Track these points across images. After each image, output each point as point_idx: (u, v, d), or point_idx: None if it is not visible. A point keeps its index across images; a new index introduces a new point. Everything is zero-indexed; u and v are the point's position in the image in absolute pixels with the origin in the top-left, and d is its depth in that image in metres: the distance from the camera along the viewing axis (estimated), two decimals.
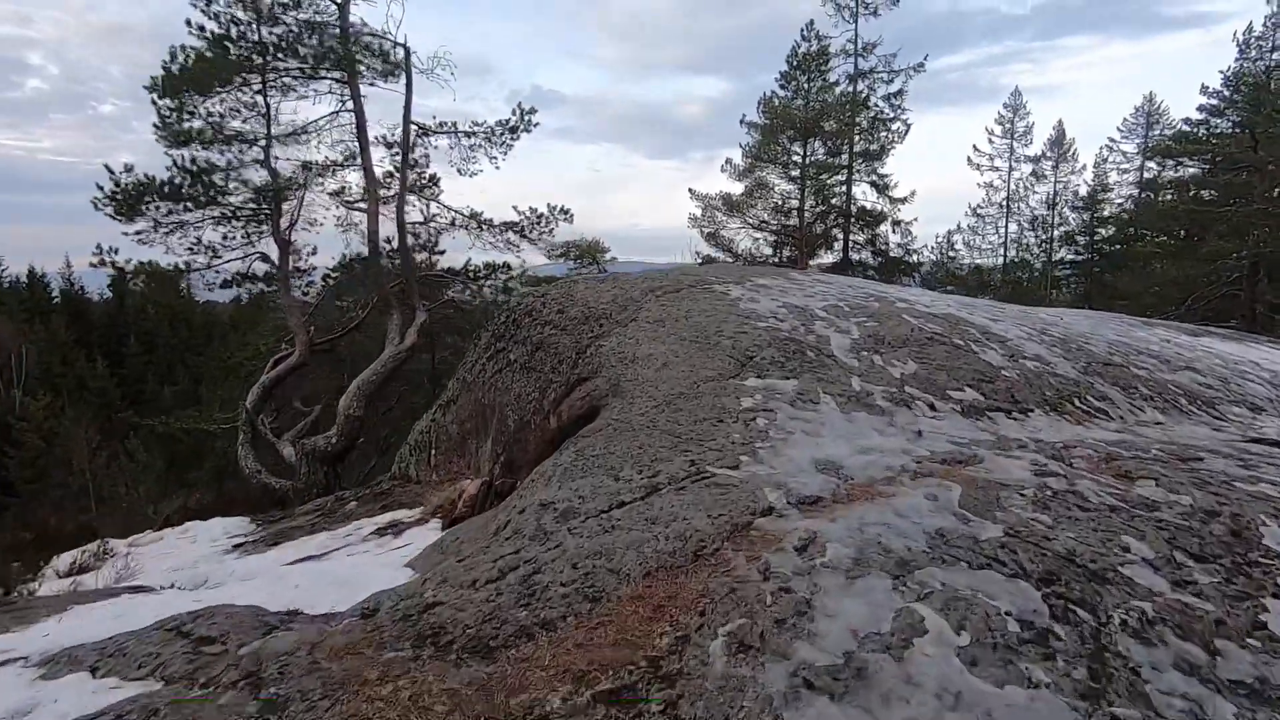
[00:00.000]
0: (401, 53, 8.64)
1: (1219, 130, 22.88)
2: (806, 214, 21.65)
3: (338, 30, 7.88)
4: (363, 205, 8.65)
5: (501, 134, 10.09)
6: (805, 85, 20.01)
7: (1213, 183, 20.02)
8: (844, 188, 22.69)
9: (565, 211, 10.90)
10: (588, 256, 28.90)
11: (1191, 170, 23.88)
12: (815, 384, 4.05)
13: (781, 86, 20.35)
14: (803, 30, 19.79)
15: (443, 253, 10.85)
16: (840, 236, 23.20)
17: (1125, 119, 34.09)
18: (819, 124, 18.86)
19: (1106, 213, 32.83)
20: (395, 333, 8.18)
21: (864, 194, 22.95)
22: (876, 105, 22.88)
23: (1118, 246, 30.53)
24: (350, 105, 8.50)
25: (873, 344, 4.88)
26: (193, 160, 7.89)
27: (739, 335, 4.56)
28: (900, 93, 22.54)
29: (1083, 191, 32.80)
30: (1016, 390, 4.75)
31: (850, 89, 22.46)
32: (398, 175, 9.60)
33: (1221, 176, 19.87)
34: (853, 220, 22.98)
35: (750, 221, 19.84)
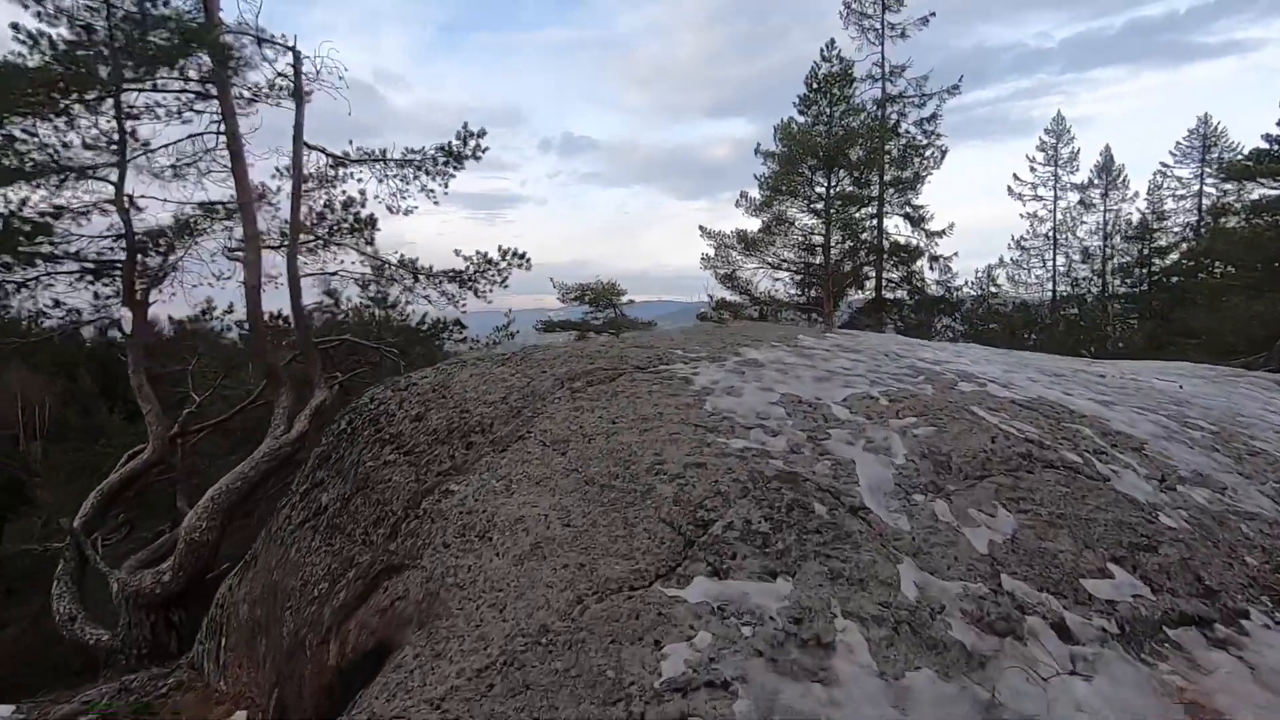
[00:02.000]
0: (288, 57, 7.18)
1: None
2: (833, 251, 19.62)
3: (197, 24, 6.30)
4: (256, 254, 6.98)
5: (443, 162, 8.40)
6: (827, 110, 18.21)
7: None
8: (875, 221, 20.66)
9: (521, 256, 9.05)
10: (603, 299, 27.28)
11: (1271, 193, 21.30)
12: (827, 594, 2.03)
13: (801, 112, 18.60)
14: (822, 50, 18.10)
15: (393, 307, 9.06)
16: (872, 274, 21.09)
17: (1179, 142, 31.65)
18: (844, 151, 16.99)
19: (1164, 242, 30.16)
20: (281, 420, 6.38)
21: (897, 228, 20.90)
22: (908, 131, 20.98)
23: (1178, 279, 27.79)
24: (222, 125, 6.90)
25: (931, 474, 2.83)
26: (22, 202, 6.33)
27: (691, 473, 2.56)
28: (934, 117, 20.66)
29: (1135, 220, 30.26)
30: (1200, 563, 2.64)
31: (878, 114, 20.62)
32: (321, 215, 7.98)
33: None
34: (885, 256, 20.88)
35: (769, 261, 17.89)
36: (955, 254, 21.02)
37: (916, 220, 20.62)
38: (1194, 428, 4.15)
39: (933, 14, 19.62)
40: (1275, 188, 20.48)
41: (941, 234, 20.89)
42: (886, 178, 19.56)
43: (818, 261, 18.34)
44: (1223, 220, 26.20)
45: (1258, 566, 2.75)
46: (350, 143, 8.01)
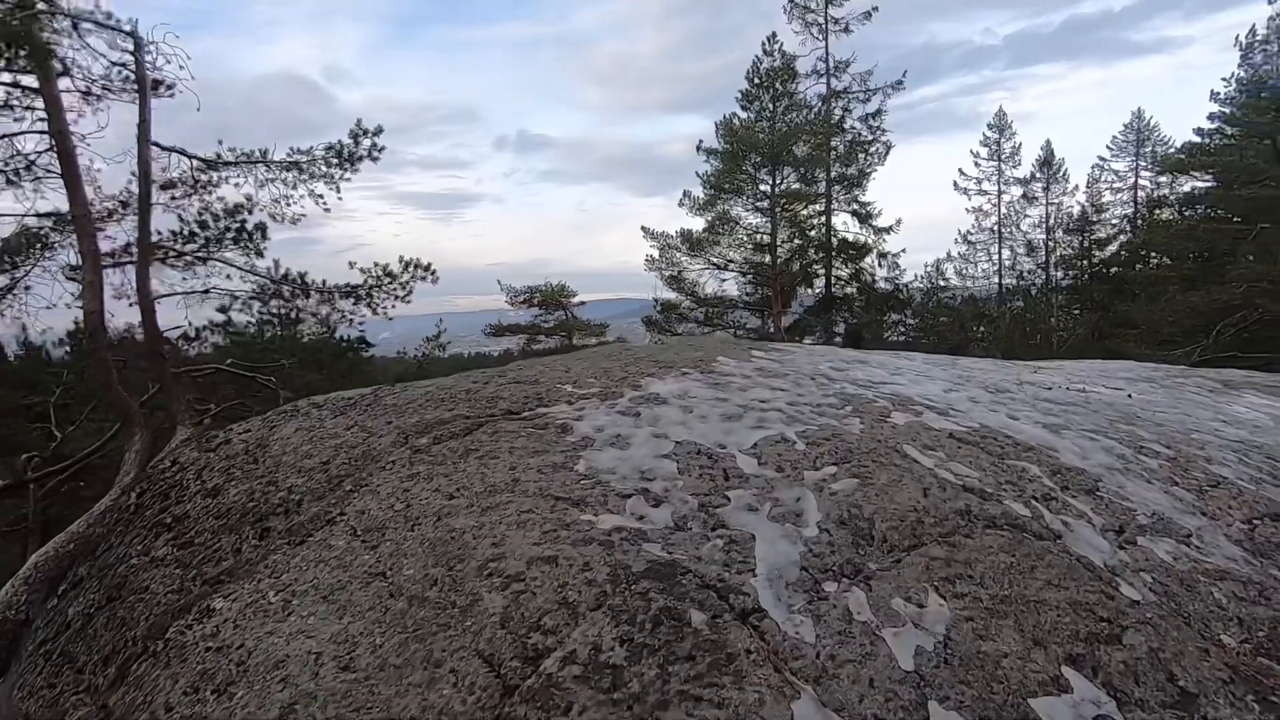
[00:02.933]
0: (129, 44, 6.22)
1: (1228, 143, 20.83)
2: (781, 249, 19.29)
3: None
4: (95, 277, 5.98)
5: (334, 164, 7.56)
6: (770, 105, 17.80)
7: (1235, 198, 17.80)
8: (823, 219, 20.40)
9: (427, 268, 8.28)
10: (553, 301, 26.50)
11: (1202, 185, 21.78)
12: None
13: (743, 107, 18.17)
14: (764, 43, 17.69)
15: (296, 324, 8.12)
16: (822, 272, 20.84)
17: (1115, 137, 32.42)
18: (788, 148, 16.61)
19: (1103, 234, 30.88)
20: (131, 466, 5.53)
21: (845, 224, 20.68)
22: (853, 127, 20.78)
23: (1117, 270, 28.43)
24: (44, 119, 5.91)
25: (849, 548, 2.28)
26: None
27: (535, 571, 1.94)
28: (878, 113, 20.49)
29: (1076, 213, 30.90)
30: (1172, 653, 2.15)
31: (823, 110, 20.36)
32: (202, 224, 7.02)
33: (1243, 191, 17.66)
34: (834, 254, 20.66)
35: (715, 261, 17.41)
36: (903, 250, 20.95)
37: (864, 217, 20.45)
38: (1149, 454, 3.72)
39: (875, 8, 19.44)
40: (1206, 180, 20.93)
41: (889, 230, 20.77)
42: (833, 174, 19.29)
43: (765, 261, 17.94)
44: (1158, 212, 26.87)
45: (1236, 649, 2.28)
46: (220, 142, 7.11)
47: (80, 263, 5.71)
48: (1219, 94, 21.55)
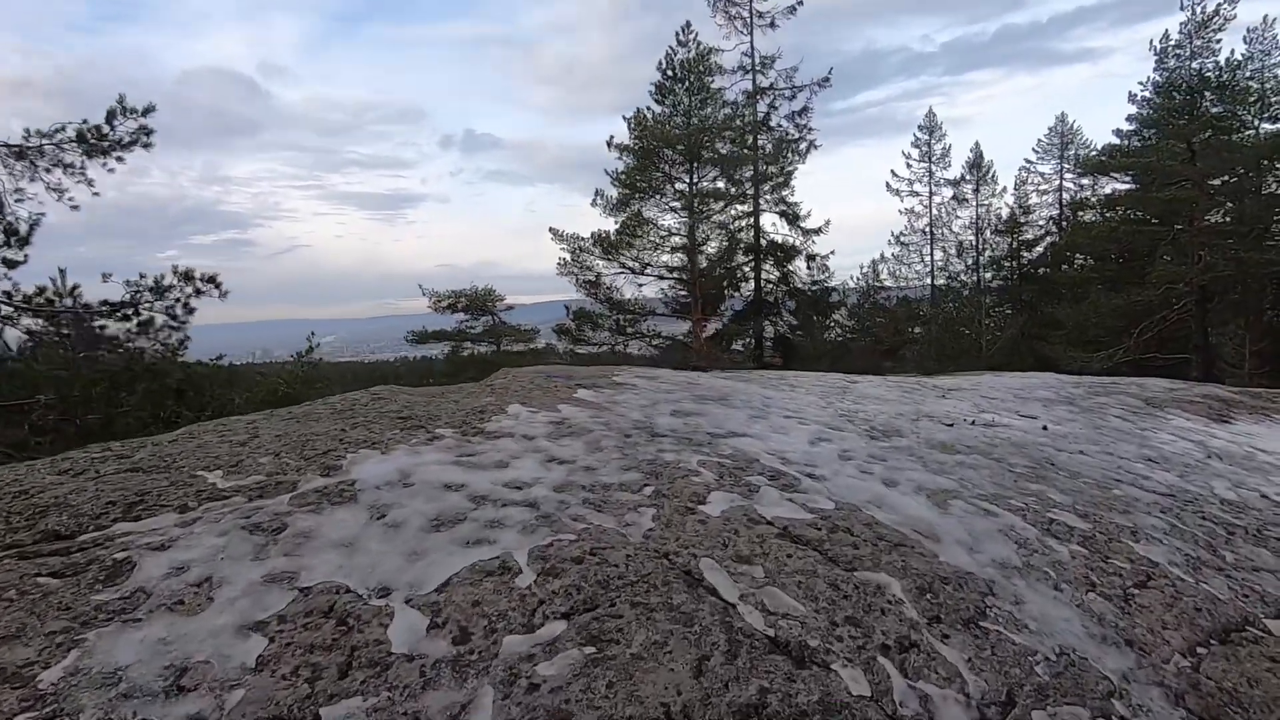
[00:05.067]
0: None
1: (1147, 144, 20.97)
2: (707, 251, 18.39)
3: None
4: None
5: (87, 150, 6.12)
6: (685, 99, 16.88)
7: (1152, 199, 17.76)
8: (750, 220, 19.61)
9: (210, 280, 6.92)
10: (478, 306, 25.02)
11: (1121, 187, 21.90)
12: None
13: (657, 101, 17.18)
14: (678, 33, 16.70)
15: (58, 348, 6.50)
16: (750, 275, 20.06)
17: (1040, 140, 32.86)
18: (707, 144, 15.70)
19: (1030, 235, 31.20)
20: None
21: (774, 226, 19.93)
22: (780, 126, 20.06)
23: (1044, 271, 28.70)
24: None
25: None
26: None
27: None
28: (805, 110, 19.81)
29: (1004, 214, 31.14)
30: None
31: (749, 108, 19.58)
32: None
33: (1160, 192, 17.63)
34: (763, 256, 19.89)
35: (630, 265, 16.33)
36: (832, 252, 20.33)
37: (793, 218, 19.74)
38: (1061, 533, 2.78)
39: (800, 3, 18.73)
40: (1125, 182, 21.02)
41: (818, 231, 20.14)
42: (759, 173, 18.50)
43: (685, 264, 17.00)
44: (1080, 214, 27.16)
45: None
46: None
47: None
48: (1136, 96, 21.72)
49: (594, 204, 16.49)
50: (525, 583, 1.84)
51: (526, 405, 3.32)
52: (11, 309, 5.95)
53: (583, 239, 15.88)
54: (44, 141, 5.93)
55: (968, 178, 30.65)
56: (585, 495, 2.37)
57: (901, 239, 29.83)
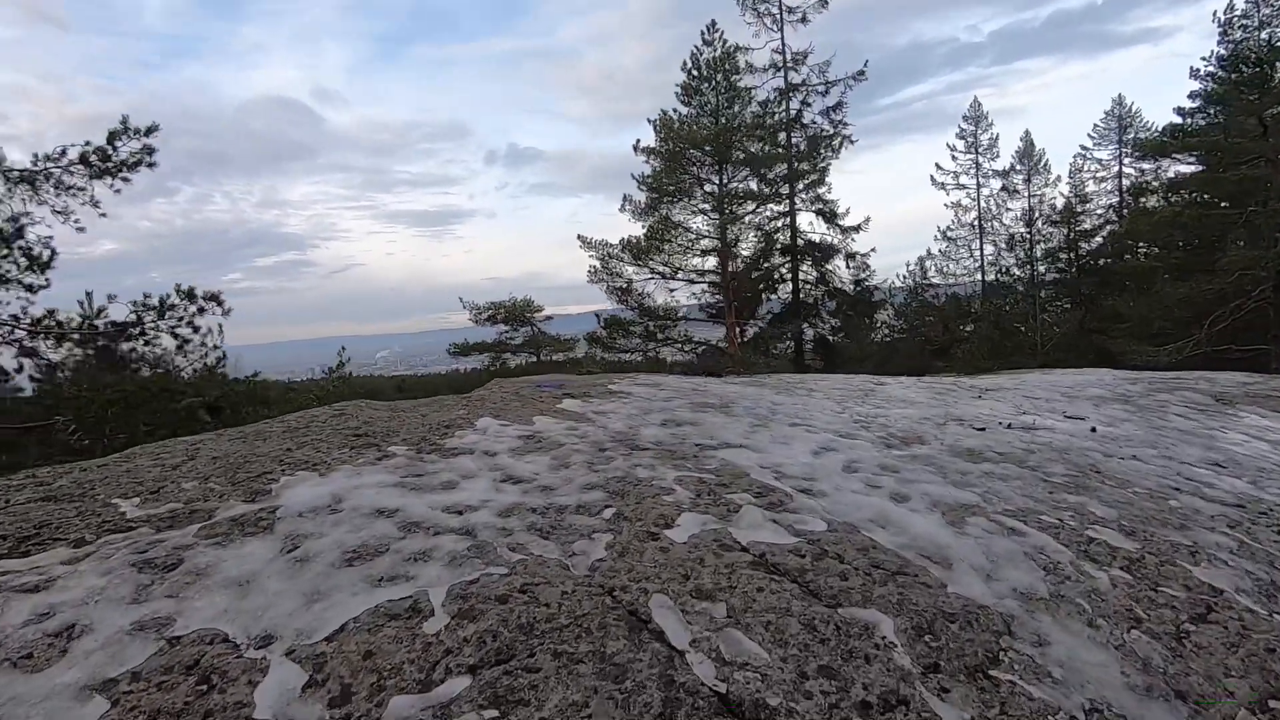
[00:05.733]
0: None
1: (1213, 122, 19.63)
2: (744, 254, 17.99)
3: None
4: None
5: (91, 173, 6.18)
6: (712, 99, 16.52)
7: (1222, 180, 16.54)
8: (786, 219, 19.12)
9: (213, 298, 6.93)
10: (517, 317, 25.18)
11: (1185, 169, 20.55)
12: None
13: (684, 102, 16.86)
14: (703, 32, 16.38)
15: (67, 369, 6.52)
16: (788, 277, 19.55)
17: (1096, 125, 31.33)
18: (739, 144, 15.34)
19: (1088, 225, 29.66)
20: None
21: (811, 225, 19.38)
22: (814, 122, 19.53)
23: (1105, 262, 27.19)
24: None
25: None
26: None
27: None
28: (839, 105, 19.23)
29: (1059, 204, 29.70)
30: None
31: (781, 105, 19.13)
32: None
33: (1229, 173, 16.41)
34: (800, 256, 19.37)
35: (660, 270, 16.03)
36: (873, 250, 19.65)
37: (830, 216, 19.16)
38: (1100, 554, 2.38)
39: None
40: (1190, 163, 19.71)
41: (858, 229, 19.49)
42: (795, 170, 18.01)
43: (716, 267, 16.62)
44: (1142, 200, 25.68)
45: None
46: None
47: None
48: (1199, 71, 20.36)
49: (622, 209, 16.31)
50: (434, 628, 1.59)
51: (499, 418, 3.08)
52: (24, 332, 6.08)
53: (611, 245, 15.70)
54: (50, 165, 6.06)
55: (1018, 168, 29.37)
56: (533, 520, 2.10)
57: (949, 234, 28.76)
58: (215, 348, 8.56)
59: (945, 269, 28.91)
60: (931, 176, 29.18)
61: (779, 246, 18.99)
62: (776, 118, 18.28)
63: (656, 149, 15.53)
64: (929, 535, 2.37)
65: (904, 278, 27.31)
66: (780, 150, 17.57)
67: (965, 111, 30.06)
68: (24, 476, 2.31)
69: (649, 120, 15.21)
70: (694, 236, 16.07)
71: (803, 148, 19.09)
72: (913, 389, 5.21)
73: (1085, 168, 30.48)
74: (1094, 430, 4.27)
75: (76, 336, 6.23)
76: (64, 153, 6.07)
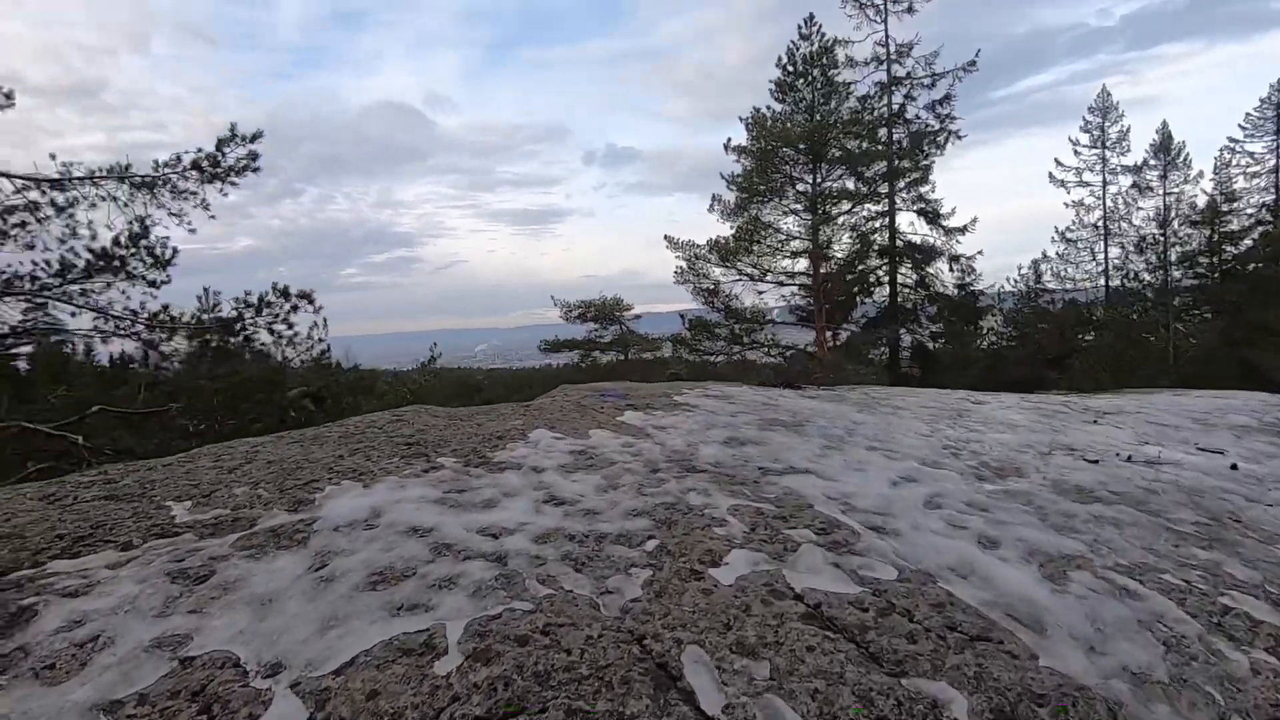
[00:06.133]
0: None
1: None
2: (837, 255, 17.31)
3: None
4: None
5: (202, 178, 6.59)
6: (808, 95, 15.89)
7: None
8: (884, 220, 18.23)
9: (304, 296, 7.25)
10: (606, 315, 25.51)
11: None
12: None
13: (777, 99, 16.32)
14: (800, 27, 15.77)
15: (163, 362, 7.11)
16: (885, 280, 18.65)
17: (1249, 114, 28.04)
18: (837, 141, 14.72)
19: (1235, 226, 26.57)
20: None
21: (912, 225, 18.38)
22: (919, 117, 18.51)
23: (1255, 267, 24.25)
24: None
25: None
26: None
27: None
28: (947, 99, 18.12)
29: (1201, 203, 26.75)
30: None
31: (882, 100, 18.25)
32: (106, 254, 6.10)
33: None
34: (899, 259, 18.42)
35: (749, 271, 15.61)
36: (980, 252, 18.40)
37: (933, 216, 18.09)
38: (1237, 627, 2.00)
39: None
40: None
41: (963, 230, 18.31)
42: (895, 168, 17.13)
43: (807, 269, 16.01)
44: None
45: None
46: (53, 158, 6.30)
47: None
48: None
49: (711, 209, 16.03)
50: (446, 669, 1.48)
51: (553, 430, 2.98)
52: (142, 326, 6.62)
53: (698, 246, 15.46)
54: (167, 171, 6.59)
55: (1152, 163, 26.75)
56: (569, 549, 1.98)
57: (1068, 235, 26.58)
58: (320, 340, 9.11)
59: (1062, 273, 26.73)
60: (1050, 173, 27.07)
61: (876, 248, 18.13)
62: (876, 113, 17.44)
63: (747, 148, 15.15)
64: (1021, 591, 2.06)
65: (1014, 282, 25.41)
66: (880, 147, 16.75)
67: (1091, 102, 27.67)
68: (96, 473, 2.43)
69: (740, 119, 14.87)
70: (784, 237, 15.59)
71: (905, 144, 18.13)
72: (1015, 409, 4.73)
73: (1234, 162, 27.37)
74: (1235, 468, 3.70)
75: (186, 331, 6.73)
76: (179, 159, 6.60)
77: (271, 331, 6.95)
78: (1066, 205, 27.00)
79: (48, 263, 6.29)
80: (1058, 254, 26.65)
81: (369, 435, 2.88)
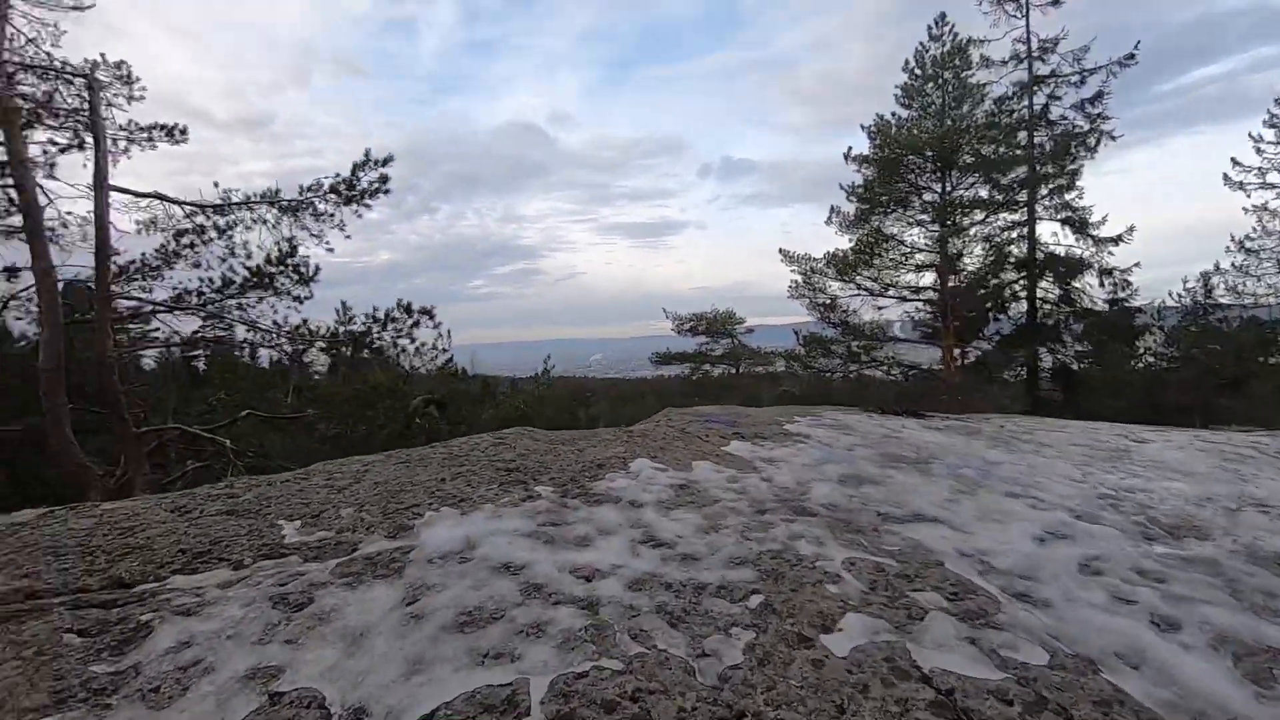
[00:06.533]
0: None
1: None
2: (965, 266, 16.16)
3: None
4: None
5: (336, 202, 7.06)
6: (937, 99, 14.88)
7: None
8: (1023, 230, 16.81)
9: (426, 312, 7.50)
10: (719, 328, 25.34)
11: None
12: None
13: (903, 105, 15.39)
14: (930, 27, 14.80)
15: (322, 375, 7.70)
16: (1022, 294, 17.18)
17: None
18: (970, 146, 13.73)
19: None
20: None
21: (1055, 235, 16.81)
22: (1065, 118, 16.94)
23: None
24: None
25: None
26: None
27: None
28: (1098, 97, 16.45)
29: None
30: None
31: (1023, 101, 16.88)
32: (259, 272, 6.84)
33: None
34: (1040, 272, 16.90)
35: (868, 286, 14.79)
36: (1137, 264, 16.51)
37: (1079, 225, 16.45)
38: None
39: None
40: None
41: (1116, 240, 16.50)
42: (1035, 174, 15.76)
43: (933, 283, 14.98)
44: None
45: None
46: (215, 185, 6.94)
47: (39, 316, 5.75)
48: None
49: (828, 222, 15.38)
50: None
51: (655, 460, 2.85)
52: (284, 339, 7.24)
53: (815, 260, 14.88)
54: (310, 195, 7.15)
55: None
56: (665, 599, 1.83)
57: (1246, 244, 23.34)
58: (444, 350, 9.61)
59: (1240, 287, 23.46)
60: (1225, 174, 23.92)
61: (1012, 260, 16.74)
62: (1016, 115, 16.13)
63: (870, 156, 14.43)
64: (1211, 691, 1.69)
65: (1179, 297, 22.64)
66: (1019, 152, 15.46)
67: (1278, 93, 24.22)
68: (223, 486, 2.57)
69: (862, 126, 14.20)
70: (908, 250, 14.67)
71: (1048, 147, 16.64)
72: (1189, 449, 4.09)
73: None
74: None
75: (323, 343, 7.26)
76: (320, 184, 7.17)
77: (395, 345, 7.37)
78: (1246, 210, 23.73)
79: (210, 280, 7.02)
80: (1234, 265, 23.46)
81: (471, 458, 2.89)
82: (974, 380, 15.56)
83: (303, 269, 7.29)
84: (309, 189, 7.17)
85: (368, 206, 7.29)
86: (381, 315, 7.40)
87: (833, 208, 15.49)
